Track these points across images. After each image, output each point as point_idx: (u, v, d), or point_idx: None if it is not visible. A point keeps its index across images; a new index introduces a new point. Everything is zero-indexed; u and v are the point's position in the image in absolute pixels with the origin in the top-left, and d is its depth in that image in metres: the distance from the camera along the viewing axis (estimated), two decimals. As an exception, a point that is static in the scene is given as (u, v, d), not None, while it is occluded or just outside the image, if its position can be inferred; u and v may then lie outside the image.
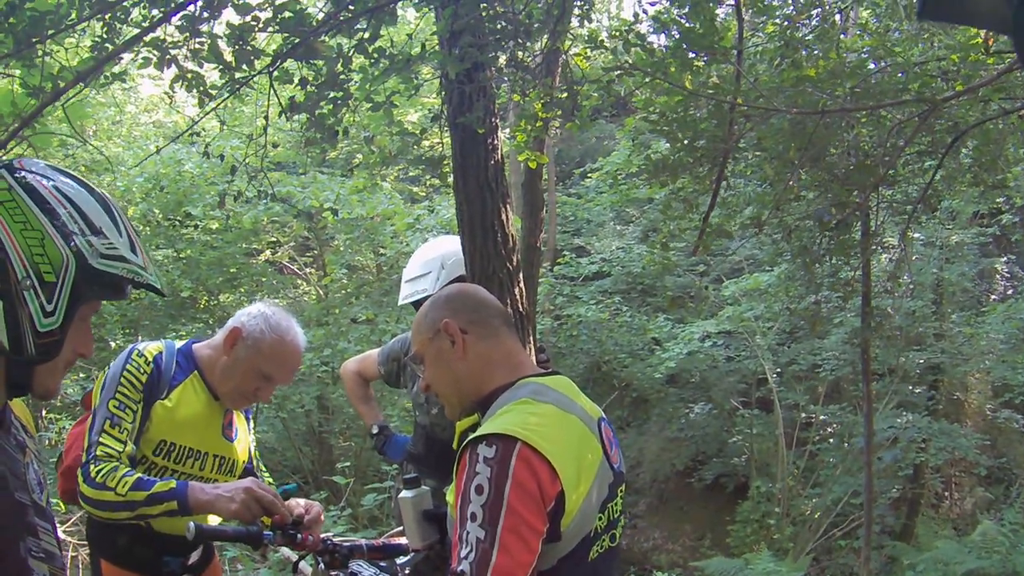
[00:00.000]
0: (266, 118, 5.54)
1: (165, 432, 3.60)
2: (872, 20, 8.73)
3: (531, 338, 5.51)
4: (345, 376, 5.80)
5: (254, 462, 4.11)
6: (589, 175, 15.61)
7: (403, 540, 3.35)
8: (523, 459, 2.40)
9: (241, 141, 11.24)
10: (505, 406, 2.64)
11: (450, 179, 5.83)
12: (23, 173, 2.00)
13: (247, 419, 4.10)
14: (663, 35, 6.01)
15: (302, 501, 3.76)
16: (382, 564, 3.29)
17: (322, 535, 3.41)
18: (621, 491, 2.75)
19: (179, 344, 3.86)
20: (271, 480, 4.10)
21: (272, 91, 5.23)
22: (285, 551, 6.86)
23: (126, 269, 2.04)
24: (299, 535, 3.25)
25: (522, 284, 5.44)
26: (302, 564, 3.64)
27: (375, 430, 5.52)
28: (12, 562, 1.90)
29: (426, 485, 3.19)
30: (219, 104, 5.55)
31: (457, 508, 2.45)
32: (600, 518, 2.59)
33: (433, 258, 5.36)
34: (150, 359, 3.64)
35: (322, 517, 3.61)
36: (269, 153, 6.35)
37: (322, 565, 3.31)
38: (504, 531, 2.34)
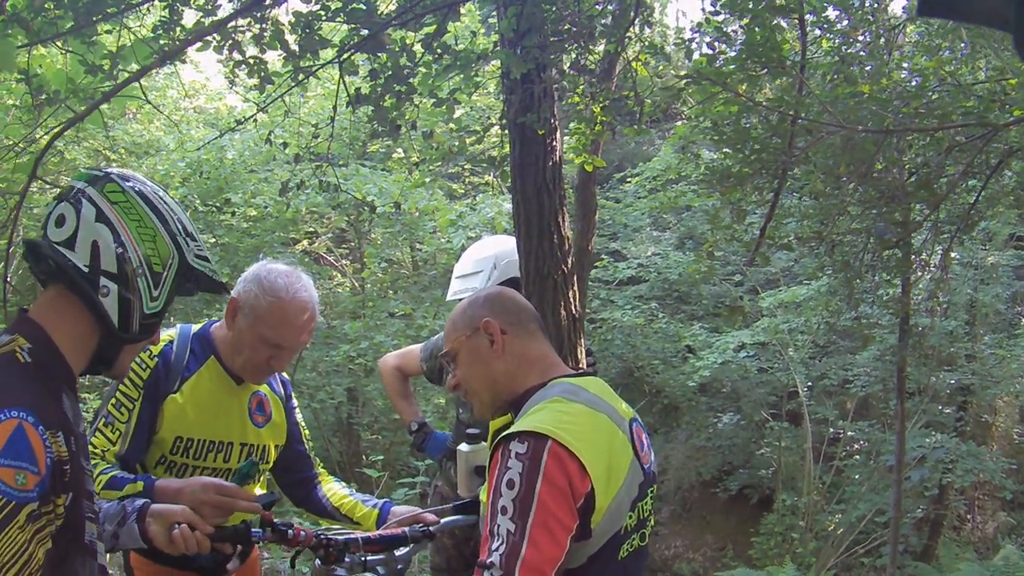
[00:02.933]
0: (334, 108, 5.54)
1: (179, 428, 3.48)
2: (916, 35, 8.70)
3: (580, 341, 5.50)
4: (384, 371, 5.74)
5: (306, 444, 3.96)
6: (628, 179, 15.52)
7: (399, 530, 3.37)
8: (554, 455, 2.46)
9: (284, 130, 11.29)
10: (537, 404, 2.69)
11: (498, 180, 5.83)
12: (132, 182, 2.36)
13: (287, 395, 3.93)
14: (724, 45, 6.00)
15: (338, 489, 3.84)
16: (380, 556, 3.24)
17: (315, 529, 3.33)
18: (652, 492, 2.80)
19: (196, 328, 3.69)
20: (322, 465, 4.04)
21: (341, 82, 5.23)
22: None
23: (209, 269, 2.45)
24: (290, 531, 3.14)
25: (575, 287, 5.44)
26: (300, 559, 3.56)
27: (414, 427, 5.48)
28: (76, 519, 2.14)
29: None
30: (285, 92, 5.54)
31: (488, 503, 2.51)
32: (630, 517, 2.64)
33: (486, 257, 5.35)
34: (155, 353, 3.47)
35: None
36: (311, 144, 6.33)
37: (318, 561, 3.23)
38: (534, 525, 2.39)
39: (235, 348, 3.53)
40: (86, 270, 2.21)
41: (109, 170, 2.37)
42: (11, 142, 9.93)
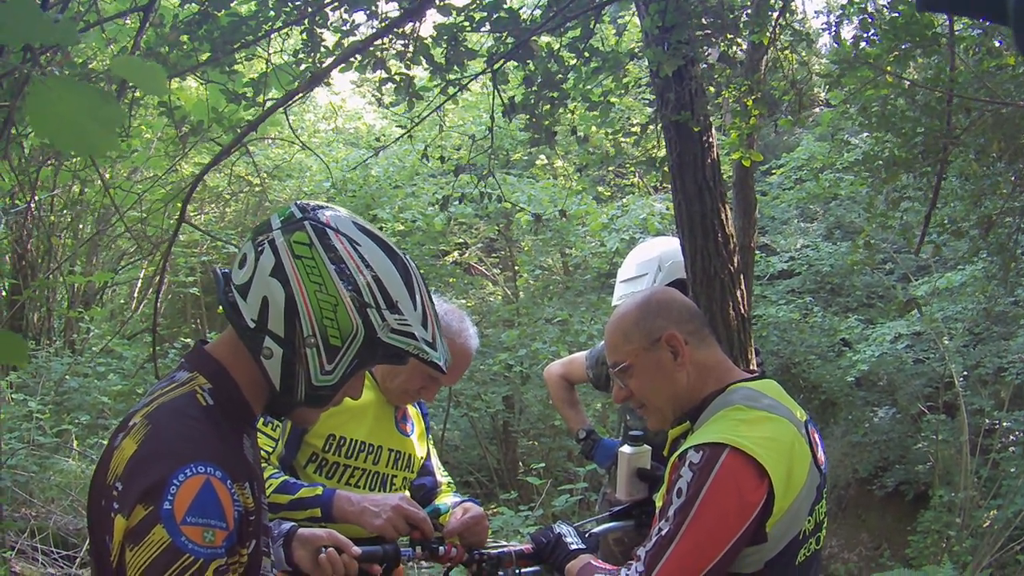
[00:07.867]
0: (491, 118, 5.52)
1: (332, 426, 3.47)
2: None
3: (750, 341, 5.38)
4: (550, 379, 5.67)
5: (433, 460, 3.99)
6: (773, 171, 15.28)
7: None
8: (726, 467, 2.45)
9: (428, 144, 11.38)
10: (718, 413, 2.65)
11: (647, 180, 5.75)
12: (328, 231, 2.07)
13: (423, 413, 3.99)
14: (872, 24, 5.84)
15: (449, 502, 3.67)
16: (535, 569, 3.15)
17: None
18: (825, 493, 2.73)
19: None
20: (451, 482, 4.00)
21: (495, 91, 5.20)
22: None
23: (413, 346, 2.11)
24: (441, 548, 3.10)
25: (742, 286, 5.33)
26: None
27: (582, 435, 5.37)
28: (255, 560, 2.06)
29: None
30: (438, 107, 5.53)
31: (658, 509, 2.56)
32: (808, 521, 2.60)
33: (650, 259, 5.26)
34: None
35: (486, 523, 3.45)
36: (467, 158, 6.31)
37: None
38: (686, 533, 2.42)
39: (393, 370, 3.56)
40: (252, 325, 2.03)
41: (316, 209, 2.12)
42: (154, 174, 10.20)
